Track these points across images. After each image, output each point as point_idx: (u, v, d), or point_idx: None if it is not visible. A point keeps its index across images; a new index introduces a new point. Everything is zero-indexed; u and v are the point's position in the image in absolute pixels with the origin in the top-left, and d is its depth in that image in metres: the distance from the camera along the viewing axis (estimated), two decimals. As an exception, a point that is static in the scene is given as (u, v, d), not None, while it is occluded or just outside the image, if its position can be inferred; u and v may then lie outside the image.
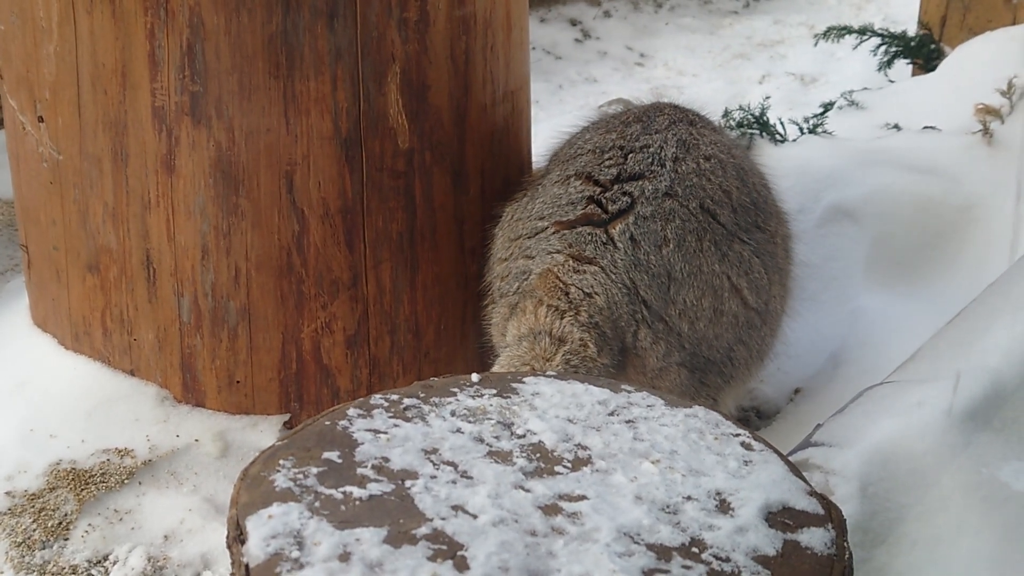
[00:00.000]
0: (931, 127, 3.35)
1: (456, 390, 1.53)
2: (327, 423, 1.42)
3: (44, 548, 2.26)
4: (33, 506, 2.31)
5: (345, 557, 1.19)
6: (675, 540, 1.27)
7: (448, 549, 1.21)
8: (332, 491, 1.29)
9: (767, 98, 3.88)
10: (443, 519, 1.26)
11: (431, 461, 1.36)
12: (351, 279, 2.38)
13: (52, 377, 2.52)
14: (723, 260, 2.19)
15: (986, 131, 3.14)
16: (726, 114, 3.51)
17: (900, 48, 4.25)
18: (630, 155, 2.26)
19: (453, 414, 1.47)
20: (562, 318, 2.09)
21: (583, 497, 1.32)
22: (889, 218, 3.01)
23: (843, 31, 4.31)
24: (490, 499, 1.29)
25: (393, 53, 2.28)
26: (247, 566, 1.20)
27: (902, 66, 4.35)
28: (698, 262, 2.16)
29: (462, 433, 1.42)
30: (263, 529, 1.23)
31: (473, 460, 1.37)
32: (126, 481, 2.35)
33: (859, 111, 3.73)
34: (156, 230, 2.35)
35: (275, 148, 2.27)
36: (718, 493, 1.35)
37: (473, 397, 1.51)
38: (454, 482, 1.32)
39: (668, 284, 2.14)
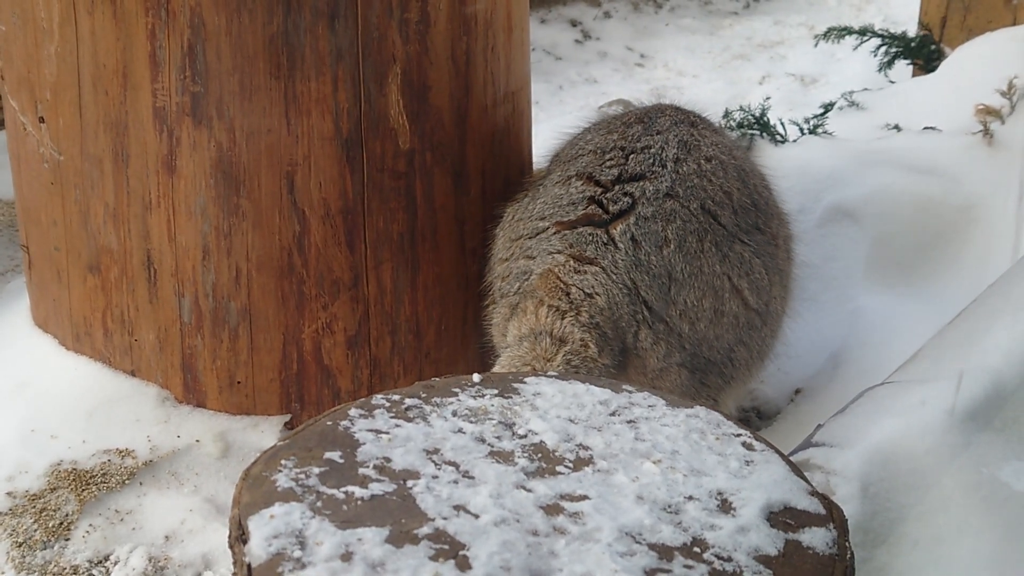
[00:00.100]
0: (931, 128, 3.35)
1: (457, 390, 1.53)
2: (328, 423, 1.42)
3: (45, 548, 2.26)
4: (34, 506, 2.31)
5: (347, 557, 1.19)
6: (677, 540, 1.27)
7: (450, 549, 1.21)
8: (334, 491, 1.29)
9: (767, 99, 3.88)
10: (445, 519, 1.26)
11: (433, 461, 1.36)
12: (352, 280, 2.38)
13: (53, 378, 2.52)
14: (724, 261, 2.19)
15: (986, 131, 3.14)
16: (726, 115, 3.51)
17: (900, 49, 4.25)
18: (631, 156, 2.26)
19: (455, 414, 1.47)
20: (563, 318, 2.09)
21: (585, 497, 1.32)
22: (889, 218, 3.01)
23: (843, 32, 4.30)
24: (492, 499, 1.30)
25: (394, 54, 2.28)
26: (249, 566, 1.20)
27: (902, 67, 4.34)
28: (699, 263, 2.16)
29: (464, 433, 1.42)
30: (265, 529, 1.23)
31: (475, 460, 1.37)
32: (127, 481, 2.35)
33: (859, 112, 3.73)
34: (157, 231, 2.35)
35: (276, 149, 2.27)
36: (719, 493, 1.35)
37: (474, 397, 1.51)
38: (456, 482, 1.32)
39: (669, 285, 2.14)
